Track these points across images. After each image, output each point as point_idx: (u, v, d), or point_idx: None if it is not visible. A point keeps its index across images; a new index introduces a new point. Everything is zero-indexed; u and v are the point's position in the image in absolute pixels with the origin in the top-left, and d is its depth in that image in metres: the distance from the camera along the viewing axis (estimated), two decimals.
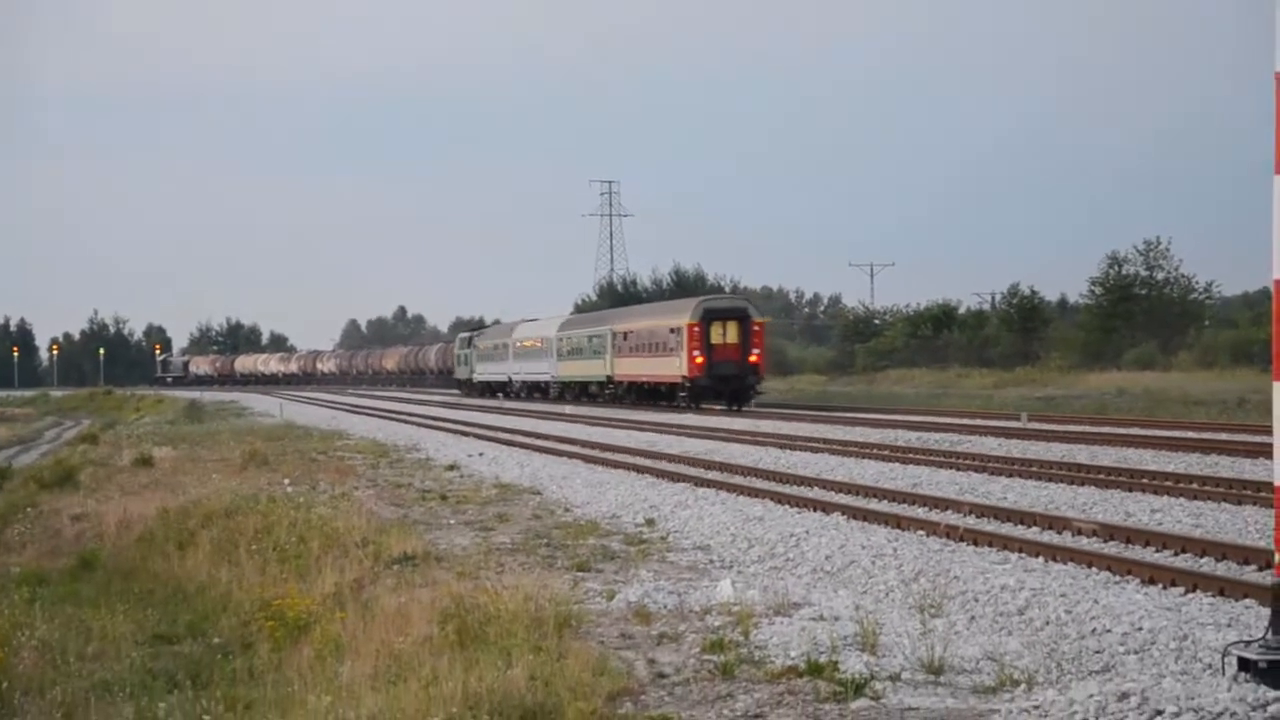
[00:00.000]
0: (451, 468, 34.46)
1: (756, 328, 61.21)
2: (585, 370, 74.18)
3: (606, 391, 71.81)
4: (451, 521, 24.09)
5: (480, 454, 38.32)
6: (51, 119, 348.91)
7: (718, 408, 60.74)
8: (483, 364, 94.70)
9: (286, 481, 31.11)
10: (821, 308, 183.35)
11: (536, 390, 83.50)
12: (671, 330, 62.38)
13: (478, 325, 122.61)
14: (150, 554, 24.45)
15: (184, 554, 23.43)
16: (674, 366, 61.82)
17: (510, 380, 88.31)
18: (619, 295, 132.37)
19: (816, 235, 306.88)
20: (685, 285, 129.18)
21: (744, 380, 60.50)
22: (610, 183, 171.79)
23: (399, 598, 16.23)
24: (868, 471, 29.44)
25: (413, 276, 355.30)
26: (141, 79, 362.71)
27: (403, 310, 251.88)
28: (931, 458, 31.82)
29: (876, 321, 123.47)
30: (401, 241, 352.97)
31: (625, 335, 68.42)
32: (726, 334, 60.65)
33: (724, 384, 60.47)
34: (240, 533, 23.24)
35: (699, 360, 60.01)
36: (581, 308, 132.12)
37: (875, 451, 33.61)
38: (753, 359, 60.69)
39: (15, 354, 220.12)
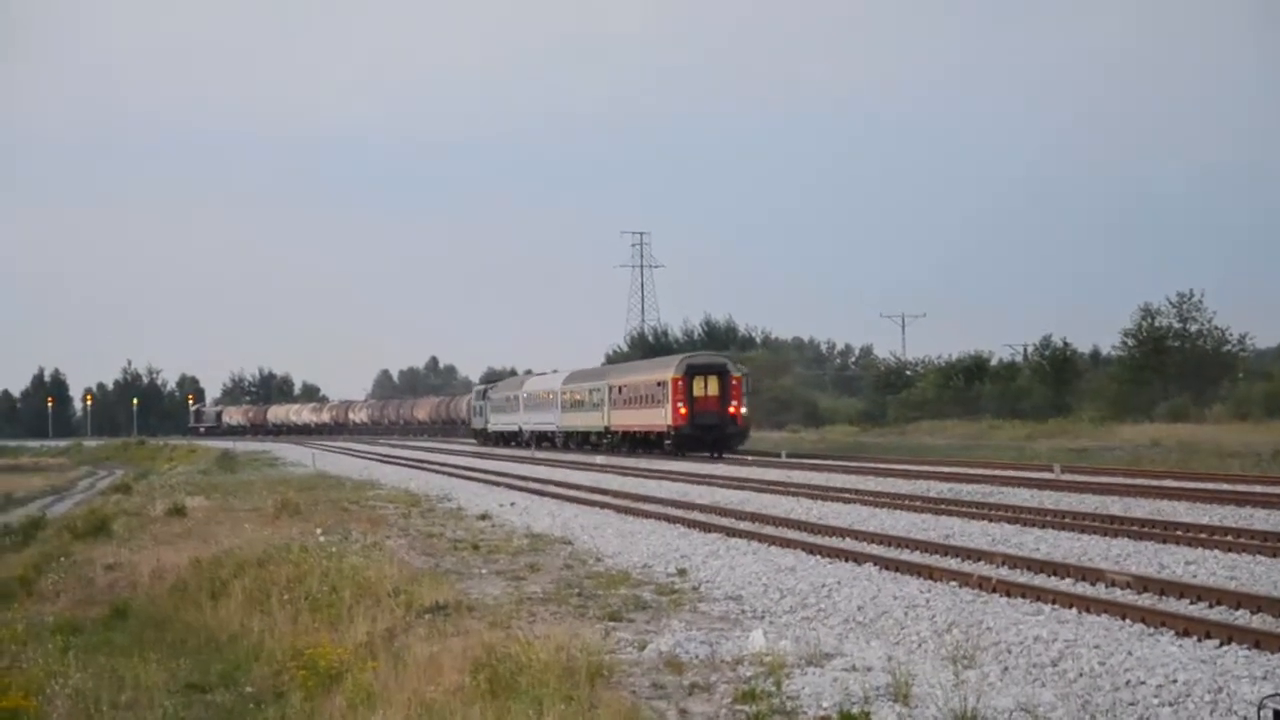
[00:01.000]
0: (483, 517, 34.47)
1: (735, 382, 66.17)
2: (586, 421, 79.23)
3: (605, 440, 75.97)
4: (483, 571, 24.10)
5: (512, 504, 38.34)
6: (85, 166, 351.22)
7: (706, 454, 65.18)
8: (496, 415, 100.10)
9: (319, 531, 31.13)
10: (853, 359, 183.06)
11: (545, 440, 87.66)
12: (658, 384, 67.61)
13: (508, 376, 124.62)
14: (183, 603, 24.47)
15: (216, 603, 23.45)
16: (660, 417, 66.93)
17: (520, 430, 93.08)
18: (650, 346, 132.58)
19: (848, 286, 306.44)
20: (716, 336, 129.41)
21: (724, 430, 65.44)
22: (641, 234, 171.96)
23: (431, 647, 16.22)
24: (900, 522, 29.36)
25: (445, 327, 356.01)
26: (176, 124, 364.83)
27: (435, 360, 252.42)
28: (964, 509, 31.72)
29: (908, 373, 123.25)
30: (434, 292, 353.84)
31: (620, 389, 73.65)
32: (708, 388, 66.01)
33: (705, 433, 65.51)
34: (273, 582, 23.25)
35: (682, 411, 65.29)
36: (613, 359, 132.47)
37: (907, 503, 33.51)
38: (731, 410, 65.69)
39: (50, 404, 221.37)
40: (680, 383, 65.62)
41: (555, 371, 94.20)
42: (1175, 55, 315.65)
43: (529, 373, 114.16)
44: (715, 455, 64.30)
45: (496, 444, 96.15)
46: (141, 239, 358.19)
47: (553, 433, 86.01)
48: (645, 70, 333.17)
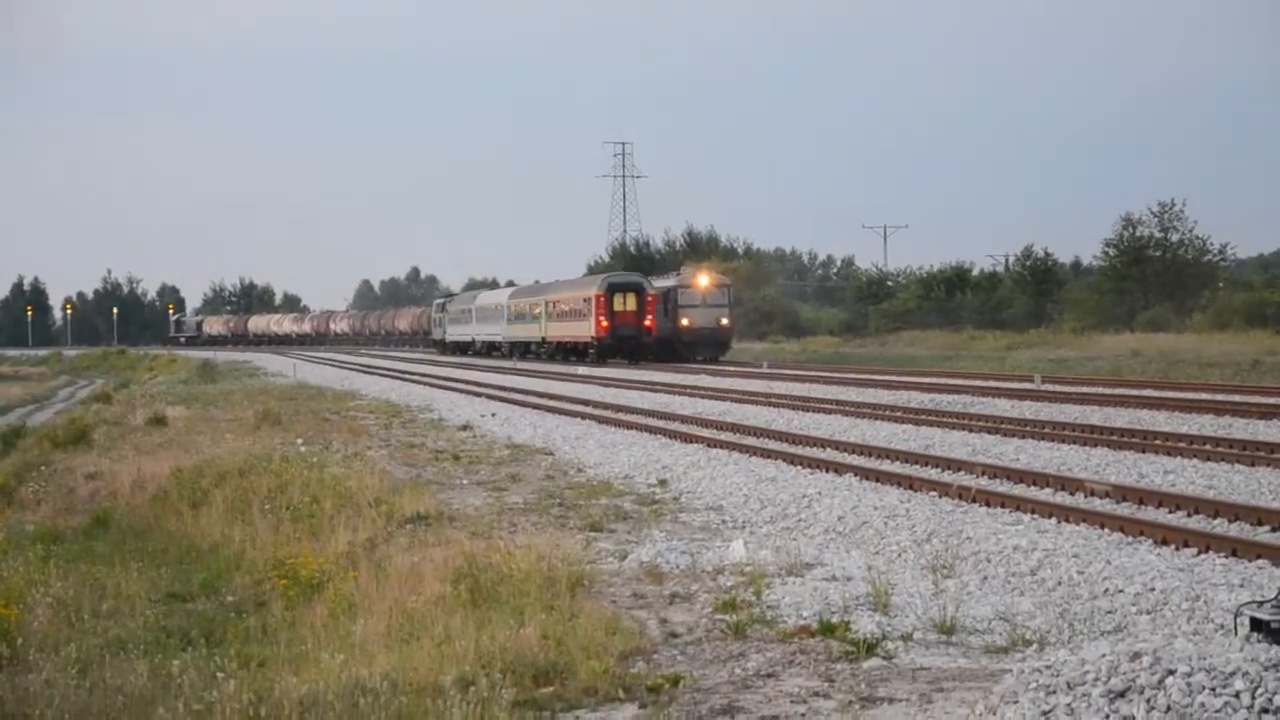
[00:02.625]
0: (464, 428, 34.50)
1: (650, 299, 74.59)
2: (527, 333, 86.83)
3: (542, 349, 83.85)
4: (464, 482, 24.13)
5: (493, 414, 38.36)
6: (68, 76, 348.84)
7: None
8: (452, 326, 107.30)
9: (300, 441, 31.15)
10: (835, 270, 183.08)
11: (493, 349, 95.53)
12: (585, 300, 75.72)
13: (489, 287, 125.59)
14: (164, 513, 24.51)
15: (197, 513, 23.49)
16: (586, 329, 75.31)
17: (474, 340, 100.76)
18: (632, 257, 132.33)
19: (830, 197, 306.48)
20: (698, 246, 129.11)
21: (639, 340, 74.06)
22: (624, 144, 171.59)
23: (412, 557, 16.28)
24: (880, 433, 29.43)
25: (426, 238, 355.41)
26: (160, 37, 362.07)
27: (416, 271, 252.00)
28: (944, 419, 31.83)
29: (890, 283, 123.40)
30: (415, 203, 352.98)
31: (554, 304, 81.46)
32: (626, 303, 74.29)
33: (623, 343, 73.96)
34: (254, 492, 23.30)
35: (604, 324, 73.55)
36: (594, 269, 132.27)
37: (888, 413, 33.58)
38: (646, 324, 74.25)
39: (29, 313, 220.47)
40: (602, 299, 73.64)
41: (505, 286, 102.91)
42: None
43: (481, 287, 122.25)
44: (633, 362, 71.89)
45: (453, 353, 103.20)
46: (123, 148, 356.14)
47: (500, 342, 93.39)
48: None
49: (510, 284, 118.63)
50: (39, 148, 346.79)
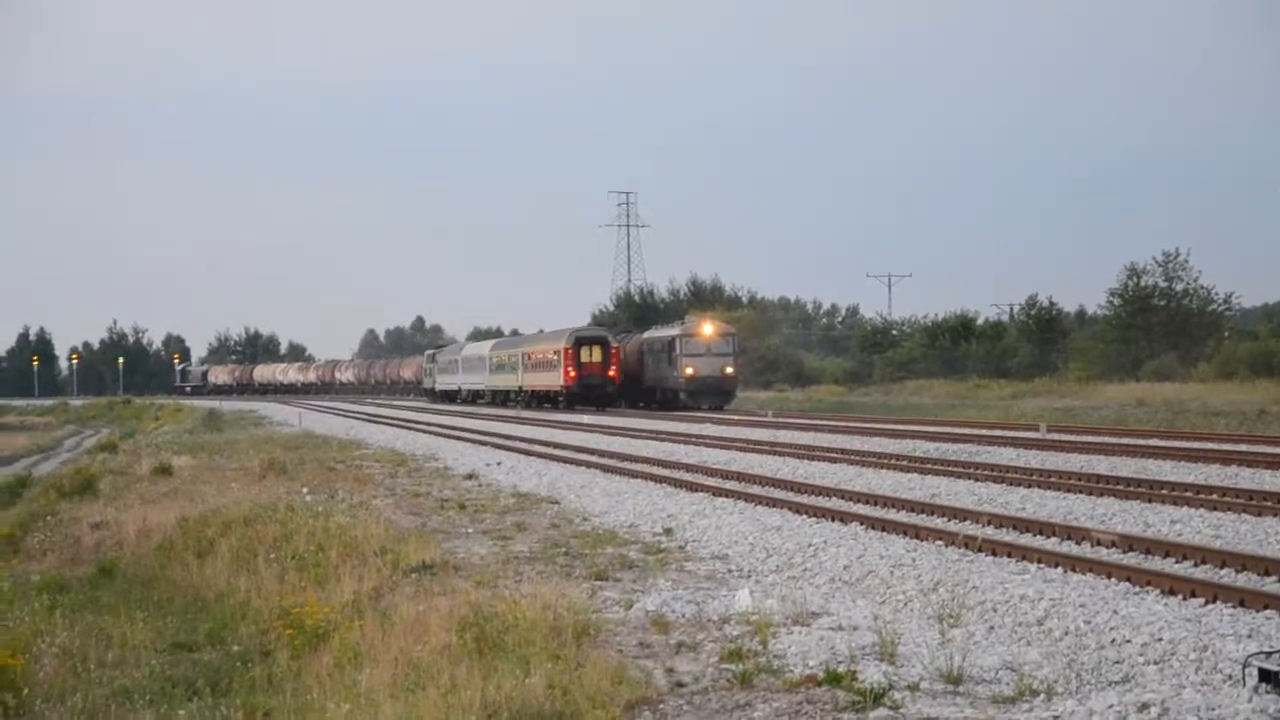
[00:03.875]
0: (469, 476, 34.49)
1: (614, 350, 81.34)
2: (506, 382, 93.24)
3: (519, 398, 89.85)
4: (470, 530, 24.11)
5: (498, 463, 38.34)
6: (73, 126, 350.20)
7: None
8: (441, 376, 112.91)
9: (305, 490, 31.14)
10: (839, 319, 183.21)
11: (478, 396, 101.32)
12: (555, 352, 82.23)
13: (494, 334, 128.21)
14: (169, 562, 24.51)
15: (203, 562, 23.48)
16: (556, 379, 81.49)
17: (460, 389, 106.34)
18: (636, 306, 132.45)
19: (834, 247, 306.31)
20: (702, 295, 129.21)
21: (604, 389, 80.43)
22: (627, 193, 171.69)
23: (417, 606, 16.24)
24: (886, 482, 29.39)
25: (431, 287, 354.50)
26: (165, 85, 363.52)
27: (421, 320, 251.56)
28: (950, 468, 31.78)
29: (894, 332, 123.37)
30: (420, 252, 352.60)
31: (529, 355, 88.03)
32: (593, 355, 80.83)
33: (589, 390, 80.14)
34: (259, 541, 23.28)
35: (571, 374, 79.84)
36: (599, 319, 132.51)
37: (894, 462, 33.54)
38: (611, 374, 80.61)
39: (35, 363, 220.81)
40: (570, 351, 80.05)
41: (486, 340, 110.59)
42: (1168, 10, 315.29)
43: (485, 336, 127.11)
44: (600, 409, 77.58)
45: (442, 401, 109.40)
46: (127, 199, 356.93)
47: (483, 390, 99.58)
48: (635, 31, 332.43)
49: (514, 333, 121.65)
50: (43, 196, 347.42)
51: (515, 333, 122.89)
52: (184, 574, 23.25)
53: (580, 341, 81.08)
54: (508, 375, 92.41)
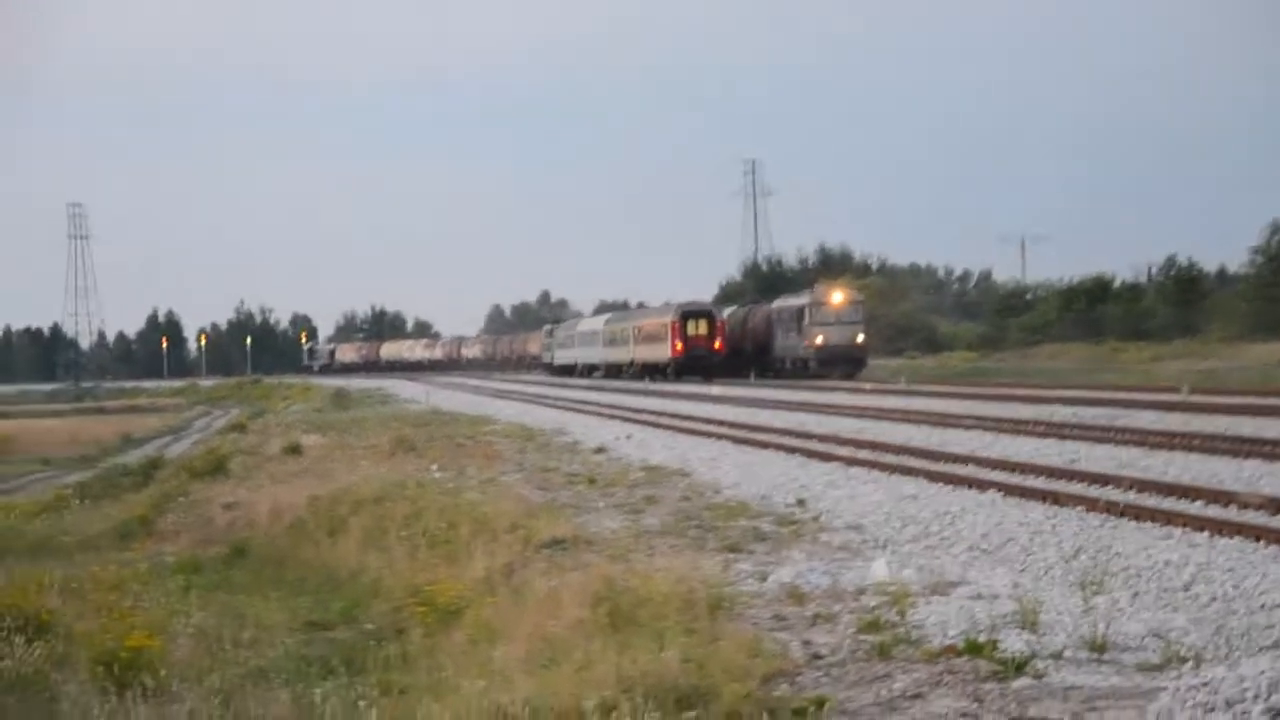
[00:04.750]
0: (599, 450, 34.57)
1: (720, 323, 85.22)
2: (618, 356, 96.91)
3: (629, 369, 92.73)
4: (600, 505, 24.17)
5: (628, 436, 38.40)
6: (194, 100, 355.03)
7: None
8: (560, 351, 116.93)
9: (434, 467, 31.39)
10: (972, 283, 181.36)
11: (593, 370, 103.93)
12: (663, 326, 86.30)
13: (621, 307, 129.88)
14: (301, 541, 24.81)
15: (334, 541, 23.75)
16: (664, 351, 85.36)
17: (576, 363, 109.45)
18: (763, 276, 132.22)
19: (966, 210, 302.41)
20: (831, 263, 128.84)
21: (710, 360, 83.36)
22: (753, 161, 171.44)
23: (550, 581, 16.32)
24: (1023, 448, 29.12)
25: (557, 260, 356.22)
26: (294, 62, 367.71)
27: (546, 295, 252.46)
28: (1089, 433, 31.41)
29: (1029, 296, 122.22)
30: (546, 224, 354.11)
31: (639, 330, 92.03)
32: (699, 328, 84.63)
33: (696, 362, 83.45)
34: (390, 519, 23.50)
35: (679, 347, 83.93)
36: (726, 290, 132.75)
37: (1030, 428, 33.21)
38: (716, 346, 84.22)
39: (165, 345, 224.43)
40: (677, 325, 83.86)
41: (635, 308, 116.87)
42: None
43: (610, 309, 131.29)
44: (707, 380, 79.01)
45: (560, 375, 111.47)
46: (251, 177, 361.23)
47: (597, 364, 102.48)
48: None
49: (640, 305, 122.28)
50: (172, 176, 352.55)
51: (641, 305, 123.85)
52: (316, 553, 23.53)
53: (686, 315, 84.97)
54: (620, 349, 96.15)
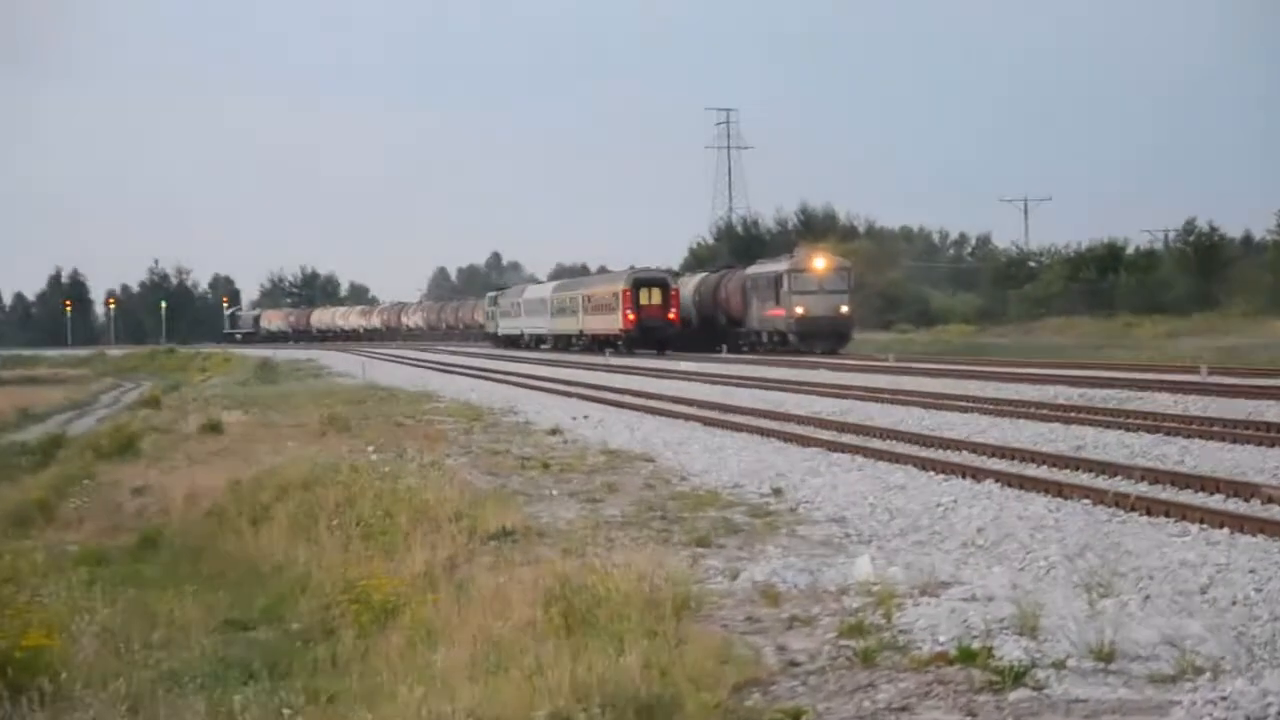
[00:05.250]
0: (554, 432, 34.59)
1: (674, 293, 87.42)
2: (566, 326, 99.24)
3: (579, 342, 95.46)
4: (554, 492, 24.19)
5: (585, 416, 38.45)
6: (112, 47, 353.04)
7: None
8: (504, 320, 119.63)
9: (370, 449, 31.35)
10: (969, 249, 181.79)
11: (540, 342, 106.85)
12: (613, 295, 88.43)
13: (579, 273, 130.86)
14: (220, 530, 24.74)
15: (257, 530, 23.68)
16: (615, 322, 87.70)
17: (522, 334, 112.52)
18: (738, 238, 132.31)
19: (962, 168, 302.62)
20: (813, 225, 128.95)
21: (664, 332, 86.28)
22: (728, 111, 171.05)
23: (497, 578, 16.30)
24: (1024, 433, 29.24)
25: (509, 219, 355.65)
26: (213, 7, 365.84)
27: (497, 257, 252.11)
28: (1097, 417, 31.56)
29: (1032, 264, 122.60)
30: (496, 181, 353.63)
31: (588, 299, 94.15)
32: (651, 297, 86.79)
33: (649, 334, 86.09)
34: (320, 506, 23.43)
35: (630, 317, 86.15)
36: (697, 252, 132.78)
37: (1032, 411, 33.35)
38: (670, 316, 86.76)
39: (68, 309, 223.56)
40: (629, 294, 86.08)
41: (547, 281, 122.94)
42: None
43: (570, 273, 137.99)
44: (661, 353, 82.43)
45: (505, 346, 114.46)
46: (168, 125, 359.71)
47: (545, 335, 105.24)
48: None
49: (604, 270, 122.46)
50: (72, 124, 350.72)
51: (604, 270, 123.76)
52: (237, 543, 23.46)
53: (639, 284, 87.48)
54: (568, 319, 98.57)
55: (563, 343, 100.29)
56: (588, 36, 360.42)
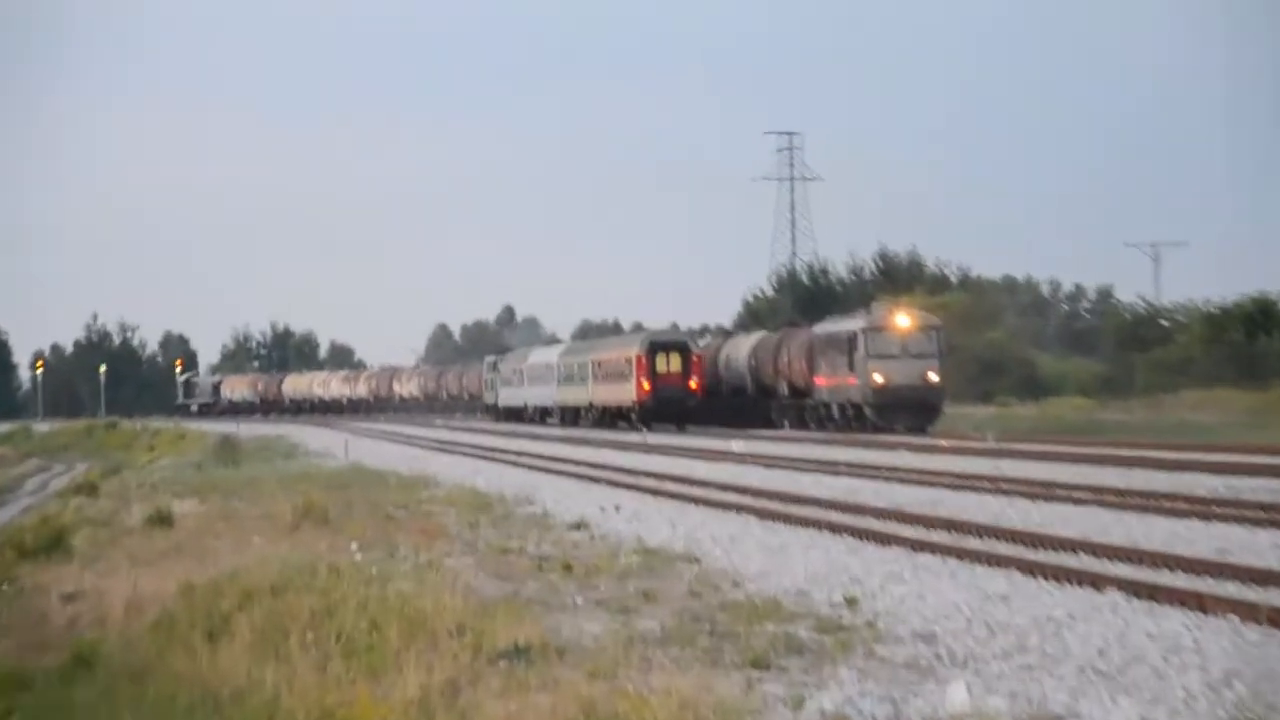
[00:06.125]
0: (578, 526, 34.58)
1: (695, 359, 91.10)
2: (575, 396, 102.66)
3: (589, 415, 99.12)
4: (579, 601, 24.18)
5: (616, 507, 38.42)
6: (56, 72, 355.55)
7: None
8: (505, 389, 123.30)
9: (354, 546, 31.39)
10: (1086, 304, 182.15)
11: (547, 415, 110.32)
12: (626, 360, 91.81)
13: (608, 331, 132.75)
14: (170, 646, 24.73)
15: (215, 646, 23.68)
16: (628, 392, 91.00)
17: (525, 405, 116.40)
18: (804, 289, 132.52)
19: (1078, 207, 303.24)
20: (895, 274, 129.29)
21: (685, 404, 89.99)
22: (790, 135, 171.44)
23: (508, 705, 16.31)
24: (1155, 532, 29.16)
25: (524, 267, 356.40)
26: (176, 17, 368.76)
27: (510, 311, 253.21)
28: (1245, 512, 31.42)
29: (1164, 323, 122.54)
30: (509, 221, 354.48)
31: (598, 364, 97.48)
32: (670, 364, 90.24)
33: (667, 406, 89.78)
34: (292, 617, 23.44)
35: (646, 387, 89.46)
36: (753, 306, 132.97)
37: (1165, 504, 33.28)
38: (692, 385, 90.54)
39: None
40: (643, 360, 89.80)
41: (555, 344, 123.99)
42: None
43: (597, 331, 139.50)
44: (680, 428, 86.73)
45: (507, 419, 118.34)
46: (114, 158, 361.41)
47: (549, 408, 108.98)
48: None
49: (638, 327, 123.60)
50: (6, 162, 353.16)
51: (638, 327, 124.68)
52: (189, 662, 23.44)
53: (655, 348, 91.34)
54: (577, 388, 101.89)
55: (570, 415, 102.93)
56: (612, 50, 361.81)
